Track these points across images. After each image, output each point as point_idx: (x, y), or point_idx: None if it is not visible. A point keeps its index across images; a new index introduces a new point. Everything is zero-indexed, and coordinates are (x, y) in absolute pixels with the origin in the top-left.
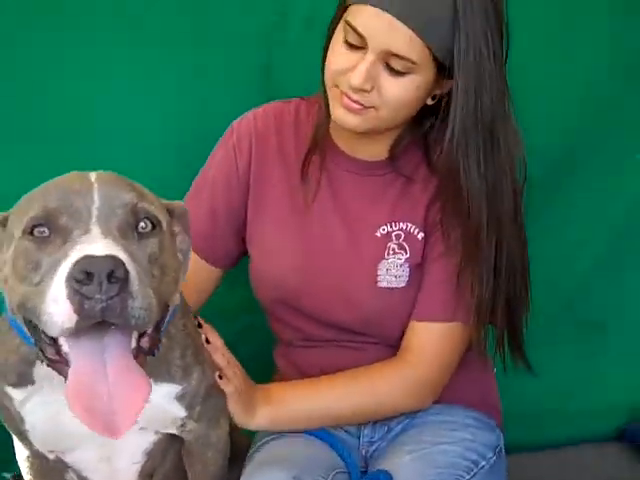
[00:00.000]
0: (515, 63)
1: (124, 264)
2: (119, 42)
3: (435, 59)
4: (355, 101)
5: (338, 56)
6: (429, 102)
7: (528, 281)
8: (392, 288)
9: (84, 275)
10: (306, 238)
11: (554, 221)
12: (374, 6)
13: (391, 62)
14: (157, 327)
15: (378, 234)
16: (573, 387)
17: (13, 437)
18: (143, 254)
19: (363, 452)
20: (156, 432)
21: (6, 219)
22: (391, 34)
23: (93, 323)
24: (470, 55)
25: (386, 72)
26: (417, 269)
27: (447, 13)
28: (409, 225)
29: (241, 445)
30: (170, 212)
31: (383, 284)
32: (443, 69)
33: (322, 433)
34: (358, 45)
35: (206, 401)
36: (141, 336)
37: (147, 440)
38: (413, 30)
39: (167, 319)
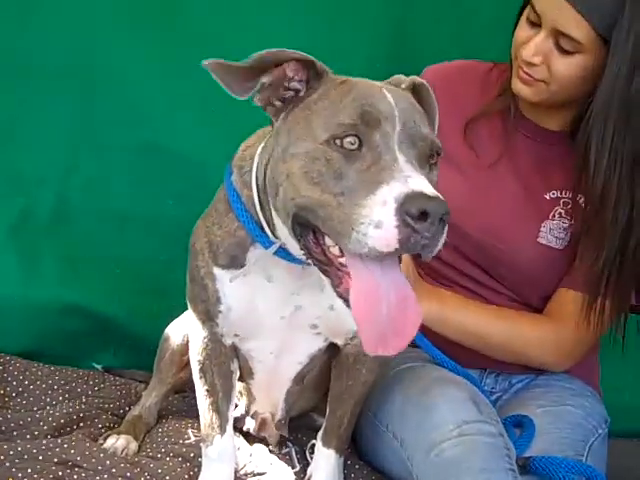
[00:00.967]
0: None
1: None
2: None
3: (603, 40)
4: (526, 73)
5: (520, 31)
6: None
7: None
8: (550, 247)
9: (420, 213)
10: (476, 186)
11: None
12: None
13: (561, 41)
14: None
15: (548, 197)
16: None
17: (173, 323)
18: (432, 186)
19: None
20: (326, 339)
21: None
22: (561, 13)
23: None
24: (630, 40)
25: (557, 51)
26: (575, 238)
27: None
28: (579, 196)
29: None
30: None
31: (543, 241)
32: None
33: (462, 370)
34: (536, 22)
35: None
36: None
37: (317, 344)
38: (579, 12)
39: None
